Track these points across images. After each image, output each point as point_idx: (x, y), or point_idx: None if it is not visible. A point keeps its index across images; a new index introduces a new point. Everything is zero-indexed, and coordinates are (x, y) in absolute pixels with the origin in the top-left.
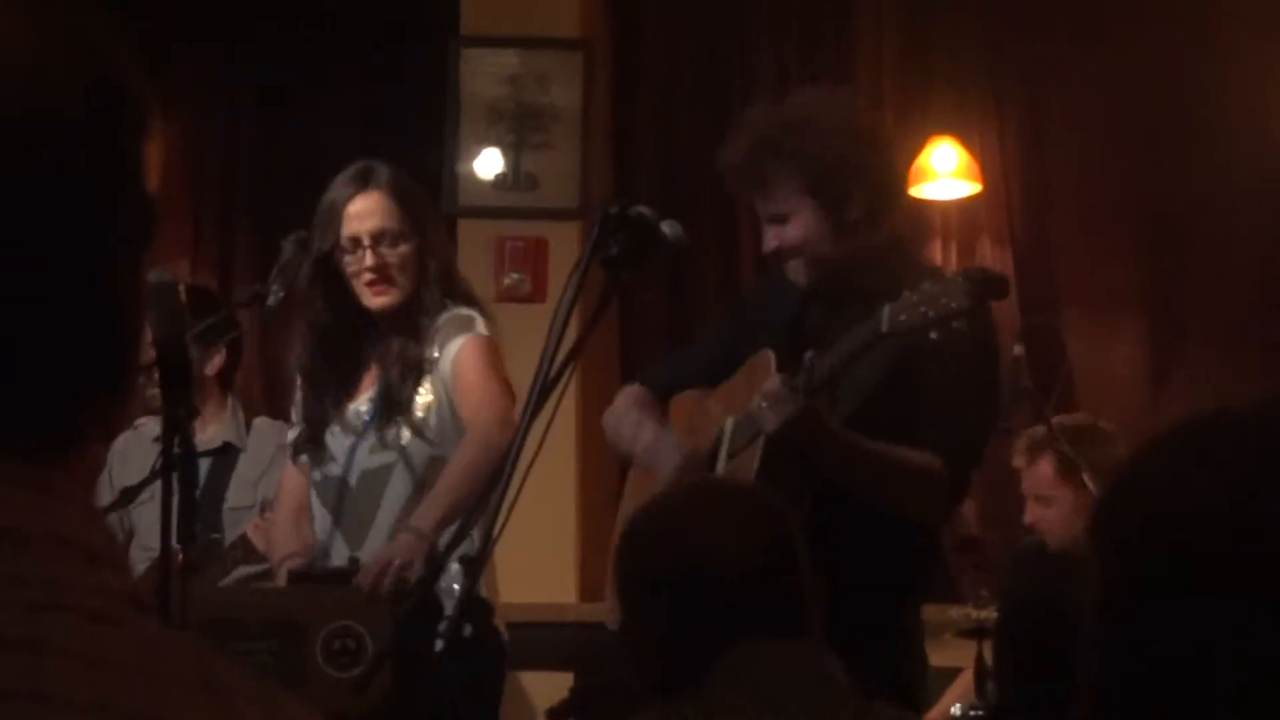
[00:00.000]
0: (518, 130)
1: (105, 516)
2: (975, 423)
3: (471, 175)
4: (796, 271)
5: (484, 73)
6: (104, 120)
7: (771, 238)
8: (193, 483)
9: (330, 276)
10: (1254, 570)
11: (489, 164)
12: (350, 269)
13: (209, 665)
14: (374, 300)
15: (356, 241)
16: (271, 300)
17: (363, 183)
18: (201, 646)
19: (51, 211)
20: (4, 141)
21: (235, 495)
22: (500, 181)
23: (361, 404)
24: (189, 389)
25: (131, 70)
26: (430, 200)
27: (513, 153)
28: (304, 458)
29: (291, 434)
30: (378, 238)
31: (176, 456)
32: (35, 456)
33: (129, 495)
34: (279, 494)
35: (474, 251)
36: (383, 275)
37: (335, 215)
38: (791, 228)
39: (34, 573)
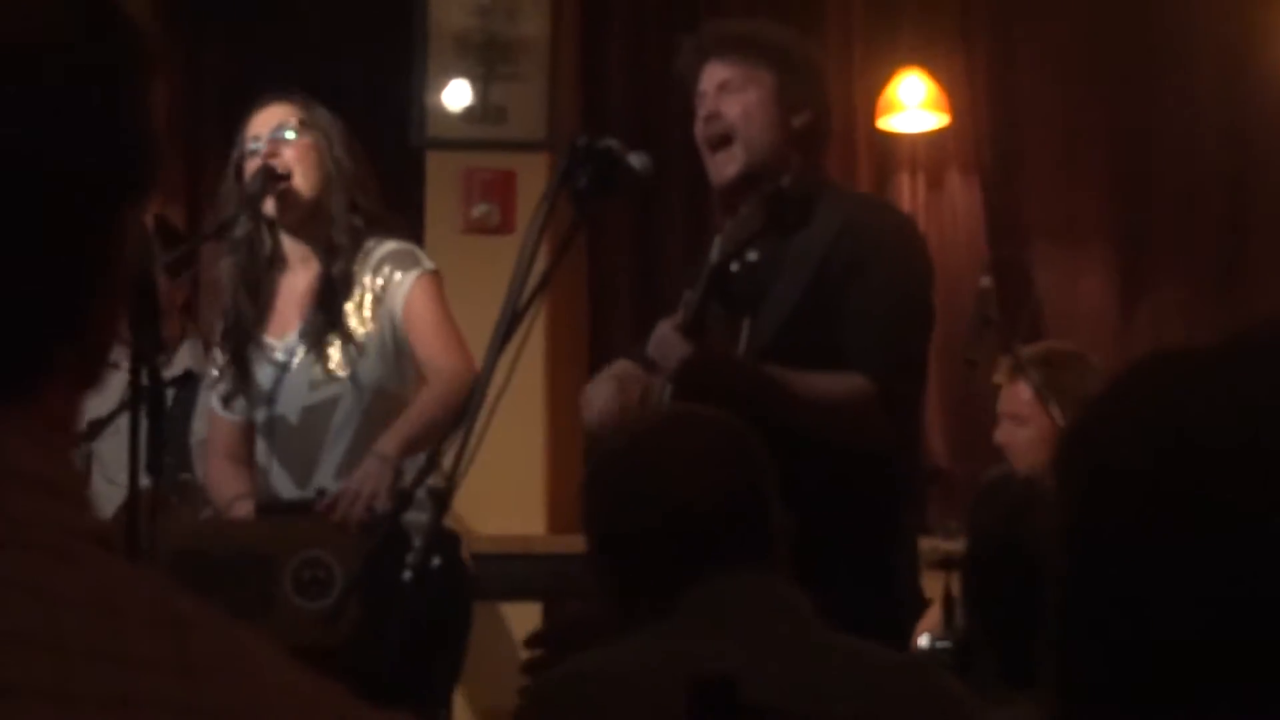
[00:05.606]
0: (486, 62)
1: (71, 453)
2: (906, 338)
3: (440, 107)
4: (723, 165)
5: (453, 4)
6: (104, 54)
7: (712, 107)
8: (161, 414)
9: (252, 213)
10: (1198, 514)
11: (457, 96)
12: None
13: (172, 602)
14: (273, 191)
15: (257, 141)
16: (239, 231)
17: (264, 103)
18: (166, 583)
19: (34, 140)
20: None
21: (200, 426)
22: (469, 113)
23: (286, 338)
24: (157, 322)
25: (139, 11)
26: (340, 124)
27: (481, 84)
28: (237, 406)
29: (220, 386)
30: (274, 129)
31: (144, 388)
32: None
33: (96, 428)
34: (208, 443)
35: (442, 183)
36: (275, 157)
37: (241, 132)
38: (739, 98)
39: None
